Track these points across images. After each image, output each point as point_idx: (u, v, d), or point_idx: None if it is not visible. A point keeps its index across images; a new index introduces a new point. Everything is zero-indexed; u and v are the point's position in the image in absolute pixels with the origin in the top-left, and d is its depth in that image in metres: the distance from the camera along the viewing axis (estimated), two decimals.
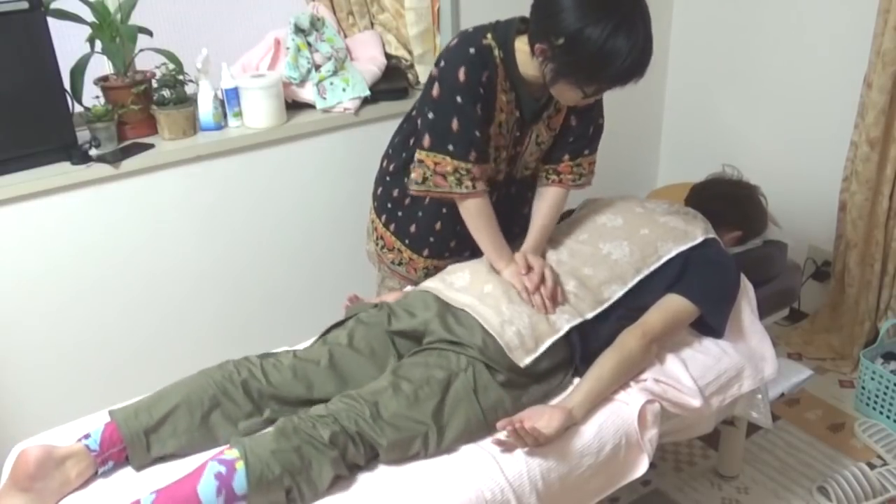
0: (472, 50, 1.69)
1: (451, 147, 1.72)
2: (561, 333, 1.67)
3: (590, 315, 1.71)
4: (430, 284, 1.81)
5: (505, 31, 1.71)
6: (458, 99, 1.69)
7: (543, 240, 1.86)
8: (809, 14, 2.70)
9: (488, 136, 1.77)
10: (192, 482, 1.33)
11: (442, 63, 1.72)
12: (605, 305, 1.74)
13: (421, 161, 1.77)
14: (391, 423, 1.47)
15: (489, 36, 1.71)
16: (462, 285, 1.77)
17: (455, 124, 1.71)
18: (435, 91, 1.72)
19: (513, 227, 1.94)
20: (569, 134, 1.87)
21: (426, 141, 1.75)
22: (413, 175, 1.80)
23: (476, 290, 1.74)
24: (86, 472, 1.44)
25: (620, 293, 1.76)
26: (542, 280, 1.71)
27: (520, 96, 1.76)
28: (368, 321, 1.73)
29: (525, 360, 1.61)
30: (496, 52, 1.70)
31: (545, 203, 1.90)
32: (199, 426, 1.51)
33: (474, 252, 1.90)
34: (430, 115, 1.74)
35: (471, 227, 1.82)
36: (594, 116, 1.88)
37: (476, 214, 1.80)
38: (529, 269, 1.73)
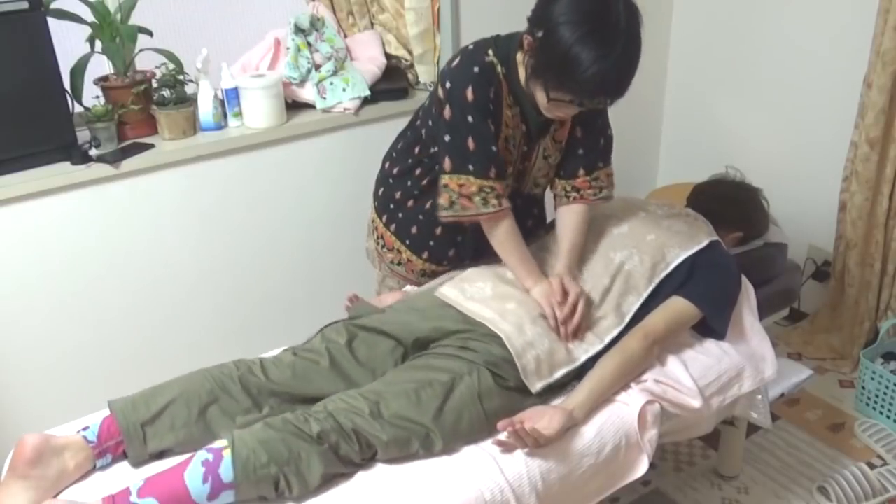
0: (476, 69, 1.69)
1: (471, 167, 1.71)
2: (577, 364, 1.67)
3: (608, 339, 1.70)
4: (450, 294, 1.77)
5: (506, 46, 1.71)
6: (470, 118, 1.69)
7: (576, 260, 1.82)
8: (809, 14, 2.70)
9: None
10: (180, 469, 1.34)
11: (448, 84, 1.71)
12: (624, 325, 1.73)
13: (446, 185, 1.75)
14: (391, 423, 1.47)
15: (490, 52, 1.70)
16: (482, 297, 1.74)
17: (471, 143, 1.70)
18: (447, 113, 1.71)
19: None
20: (577, 146, 1.86)
21: (447, 164, 1.74)
22: (440, 200, 1.77)
23: (498, 306, 1.71)
24: (84, 465, 1.45)
25: (637, 306, 1.76)
26: (574, 310, 1.69)
27: (524, 110, 1.75)
28: (371, 325, 1.71)
29: (537, 387, 1.61)
30: (499, 68, 1.70)
31: (571, 221, 1.86)
32: (197, 420, 1.51)
33: (472, 260, 1.90)
34: (447, 138, 1.73)
35: (499, 250, 1.80)
36: (601, 127, 1.87)
37: (504, 236, 1.78)
38: (565, 295, 1.70)
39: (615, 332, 1.72)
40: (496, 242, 1.80)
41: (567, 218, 1.87)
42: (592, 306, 1.74)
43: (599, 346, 1.69)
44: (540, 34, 1.56)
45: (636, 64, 1.57)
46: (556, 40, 1.52)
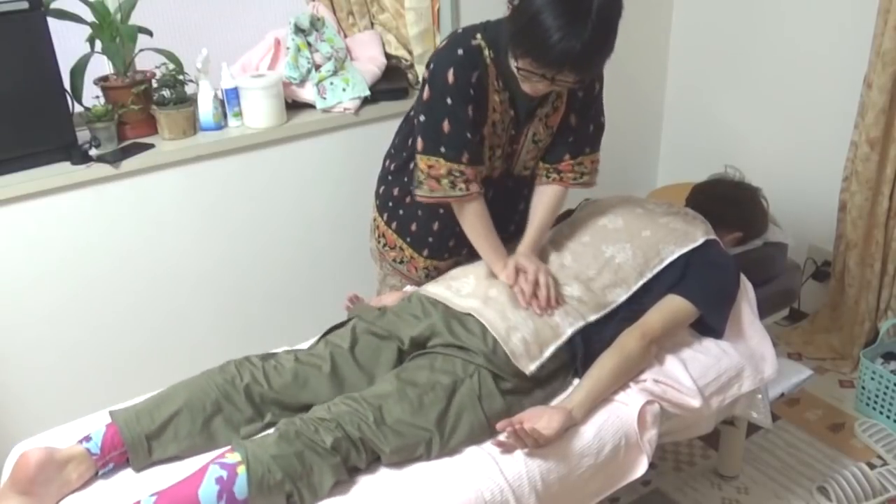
0: (460, 51, 1.69)
1: (442, 149, 1.72)
2: (564, 338, 1.67)
3: (592, 318, 1.71)
4: (436, 291, 1.79)
5: (496, 30, 1.70)
6: (448, 101, 1.69)
7: (541, 238, 1.85)
8: (809, 14, 2.69)
9: (482, 136, 1.76)
10: (194, 486, 1.33)
11: (431, 66, 1.72)
12: (609, 309, 1.74)
13: (416, 165, 1.77)
14: (395, 430, 1.47)
15: (479, 36, 1.70)
16: (467, 290, 1.76)
17: (446, 126, 1.71)
18: (425, 94, 1.72)
19: (508, 225, 1.93)
20: (568, 133, 1.86)
21: (419, 144, 1.76)
22: (415, 179, 1.80)
23: (481, 293, 1.73)
24: (86, 474, 1.44)
25: (624, 297, 1.77)
26: (537, 285, 1.70)
27: (514, 95, 1.75)
28: (373, 330, 1.72)
29: (530, 368, 1.61)
30: (486, 52, 1.70)
31: (544, 201, 1.88)
32: (201, 431, 1.51)
33: (472, 250, 1.90)
34: (422, 118, 1.74)
35: (467, 231, 1.82)
36: (595, 115, 1.87)
37: (472, 218, 1.80)
38: (522, 273, 1.72)
39: (599, 315, 1.72)
40: (465, 224, 1.81)
41: (541, 197, 1.89)
42: (565, 287, 1.75)
43: (582, 322, 1.70)
44: (516, 1, 1.56)
45: (606, 47, 1.54)
46: (527, 5, 1.51)
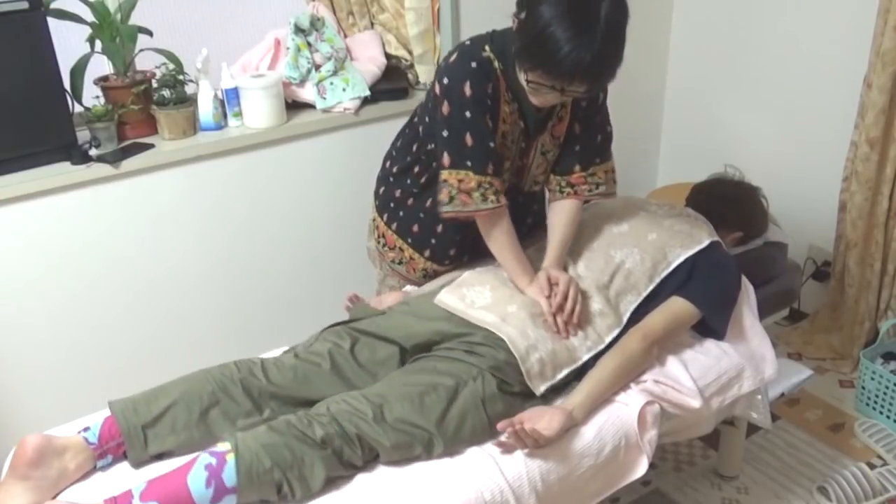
0: (473, 64, 1.68)
1: (469, 162, 1.71)
2: (579, 363, 1.67)
3: (609, 340, 1.71)
4: (449, 302, 1.75)
5: (502, 41, 1.70)
6: (468, 113, 1.68)
7: (564, 254, 1.83)
8: (809, 14, 2.69)
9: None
10: (183, 472, 1.34)
11: (445, 80, 1.70)
12: (623, 324, 1.73)
13: (445, 180, 1.74)
14: (394, 427, 1.47)
15: (487, 48, 1.70)
16: (483, 303, 1.73)
17: (469, 139, 1.70)
18: (444, 109, 1.71)
19: None
20: (574, 143, 1.85)
21: (446, 159, 1.73)
22: (441, 196, 1.77)
23: (500, 310, 1.70)
24: (84, 466, 1.45)
25: (635, 304, 1.76)
26: (565, 299, 1.69)
27: (522, 107, 1.75)
28: (373, 330, 1.71)
29: (541, 389, 1.61)
30: (496, 63, 1.70)
31: (561, 217, 1.86)
32: (198, 423, 1.51)
33: (472, 257, 1.89)
34: (445, 134, 1.73)
35: (494, 247, 1.80)
36: (600, 124, 1.86)
37: (501, 235, 1.78)
38: (553, 286, 1.71)
39: (616, 332, 1.72)
40: (493, 241, 1.80)
41: (558, 213, 1.87)
42: (590, 300, 1.74)
43: (601, 346, 1.69)
44: (523, 15, 1.56)
45: (616, 56, 1.55)
46: (536, 19, 1.51)
